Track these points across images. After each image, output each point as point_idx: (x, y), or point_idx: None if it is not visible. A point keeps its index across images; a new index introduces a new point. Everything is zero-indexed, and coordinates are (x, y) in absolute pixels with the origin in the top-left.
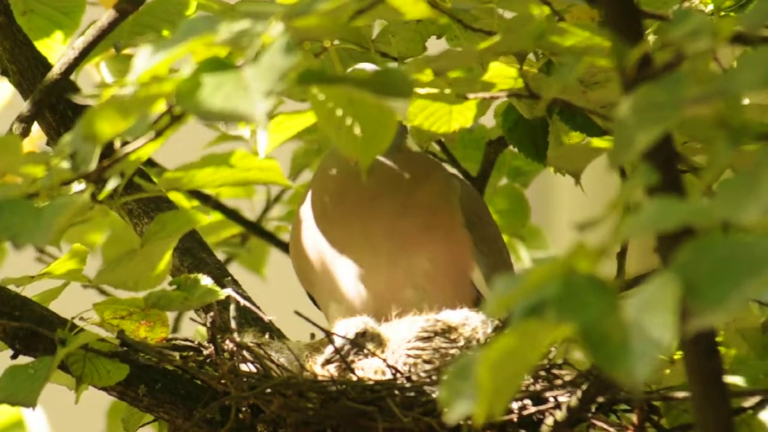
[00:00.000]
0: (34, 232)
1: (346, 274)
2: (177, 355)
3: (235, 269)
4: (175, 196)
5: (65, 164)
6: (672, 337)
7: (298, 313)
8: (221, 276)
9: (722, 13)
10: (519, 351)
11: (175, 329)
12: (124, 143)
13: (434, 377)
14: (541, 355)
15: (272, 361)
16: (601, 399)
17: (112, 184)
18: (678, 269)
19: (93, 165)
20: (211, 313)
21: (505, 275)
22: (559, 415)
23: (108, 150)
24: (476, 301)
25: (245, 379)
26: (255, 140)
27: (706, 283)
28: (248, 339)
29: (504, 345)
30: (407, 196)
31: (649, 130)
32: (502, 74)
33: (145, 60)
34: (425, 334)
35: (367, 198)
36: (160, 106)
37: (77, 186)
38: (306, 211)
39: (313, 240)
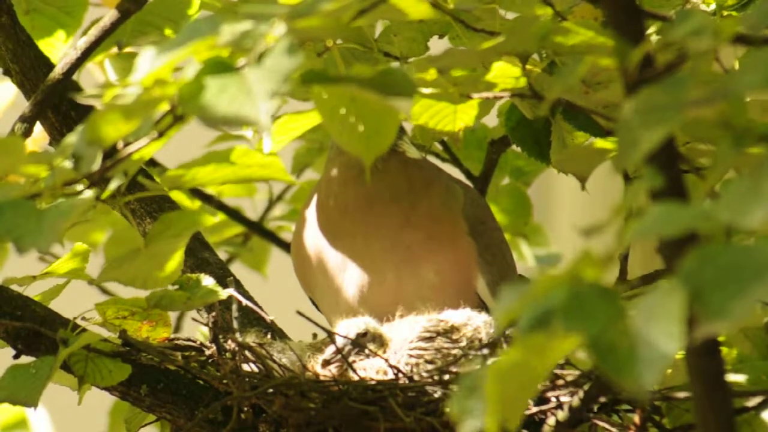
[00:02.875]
0: (37, 236)
1: (351, 289)
2: (179, 355)
3: (236, 269)
4: (177, 196)
5: (68, 164)
6: (678, 347)
7: (300, 313)
8: (223, 276)
9: (725, 13)
10: (527, 363)
11: (177, 329)
12: (127, 143)
13: (436, 377)
14: (552, 365)
15: (274, 361)
16: (603, 399)
17: (114, 183)
18: (683, 277)
19: (96, 165)
20: (213, 313)
21: (511, 285)
22: (561, 415)
23: (110, 149)
24: (480, 310)
25: (247, 379)
26: (258, 140)
27: (712, 291)
28: (250, 339)
29: (511, 358)
30: (409, 207)
31: (652, 132)
32: (505, 74)
33: (148, 62)
34: (427, 334)
35: (368, 210)
36: (163, 107)
37: (80, 186)
38: (309, 215)
39: (316, 248)
